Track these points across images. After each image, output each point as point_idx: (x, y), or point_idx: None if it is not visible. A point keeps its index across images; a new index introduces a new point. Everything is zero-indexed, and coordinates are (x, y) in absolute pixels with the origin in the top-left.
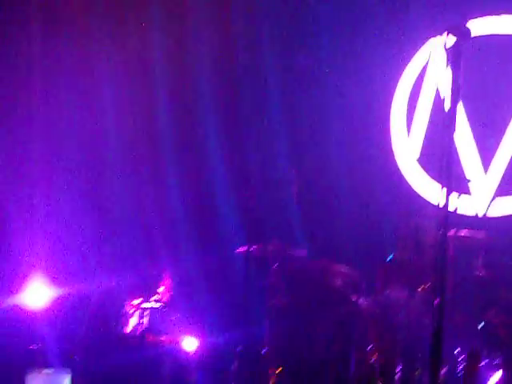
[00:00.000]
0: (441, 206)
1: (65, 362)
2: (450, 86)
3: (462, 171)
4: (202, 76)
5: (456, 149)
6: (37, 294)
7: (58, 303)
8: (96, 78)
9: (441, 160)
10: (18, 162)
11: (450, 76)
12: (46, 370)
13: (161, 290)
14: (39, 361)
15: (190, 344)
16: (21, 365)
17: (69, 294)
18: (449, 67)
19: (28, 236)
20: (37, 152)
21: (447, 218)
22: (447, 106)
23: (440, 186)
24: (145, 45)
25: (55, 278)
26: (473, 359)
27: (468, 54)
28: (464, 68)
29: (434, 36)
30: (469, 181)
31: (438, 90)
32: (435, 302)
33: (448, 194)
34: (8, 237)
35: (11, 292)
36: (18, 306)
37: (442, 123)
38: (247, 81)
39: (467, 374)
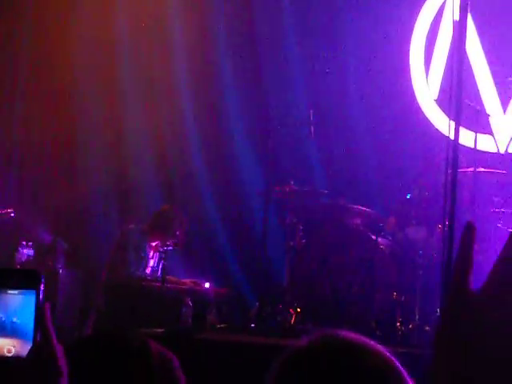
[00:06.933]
0: (451, 139)
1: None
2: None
3: (483, 108)
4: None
5: (477, 85)
6: None
7: None
8: None
9: (451, 83)
10: None
11: None
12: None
13: (178, 232)
14: None
15: (209, 285)
16: None
17: None
18: None
19: None
20: None
21: (457, 152)
22: (456, 16)
23: (453, 122)
24: None
25: None
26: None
27: None
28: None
29: None
30: (489, 115)
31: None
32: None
33: (457, 127)
34: None
35: None
36: None
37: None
38: (265, 22)
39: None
